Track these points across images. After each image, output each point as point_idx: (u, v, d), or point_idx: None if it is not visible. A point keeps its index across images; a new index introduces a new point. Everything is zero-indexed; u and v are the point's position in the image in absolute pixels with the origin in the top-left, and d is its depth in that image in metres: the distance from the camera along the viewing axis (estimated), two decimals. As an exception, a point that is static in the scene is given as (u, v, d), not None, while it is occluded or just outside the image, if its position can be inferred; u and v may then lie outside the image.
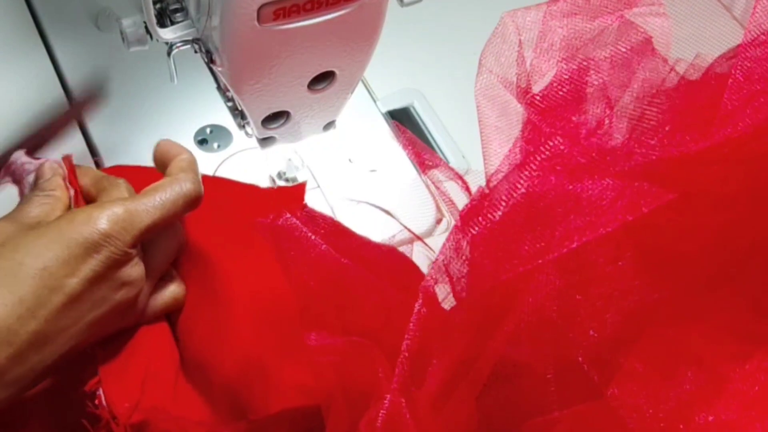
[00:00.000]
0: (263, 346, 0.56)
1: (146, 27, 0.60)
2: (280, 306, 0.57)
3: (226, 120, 0.76)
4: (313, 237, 0.54)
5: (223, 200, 0.64)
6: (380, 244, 0.62)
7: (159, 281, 0.57)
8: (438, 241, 0.48)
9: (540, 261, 0.41)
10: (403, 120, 0.83)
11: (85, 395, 0.52)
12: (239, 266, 0.59)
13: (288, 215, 0.56)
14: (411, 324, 0.43)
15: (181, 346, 0.57)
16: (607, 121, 0.43)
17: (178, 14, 0.60)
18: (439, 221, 0.74)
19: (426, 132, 0.82)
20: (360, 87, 0.79)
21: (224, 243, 0.60)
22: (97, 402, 0.51)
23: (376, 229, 0.67)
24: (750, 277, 0.46)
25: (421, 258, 0.67)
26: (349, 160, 0.78)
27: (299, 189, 0.65)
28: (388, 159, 0.76)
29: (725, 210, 0.45)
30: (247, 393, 0.55)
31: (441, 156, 0.81)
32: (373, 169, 0.78)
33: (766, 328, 0.43)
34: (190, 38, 0.60)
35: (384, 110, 0.82)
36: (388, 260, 0.59)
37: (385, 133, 0.78)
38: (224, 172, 0.75)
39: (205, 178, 0.64)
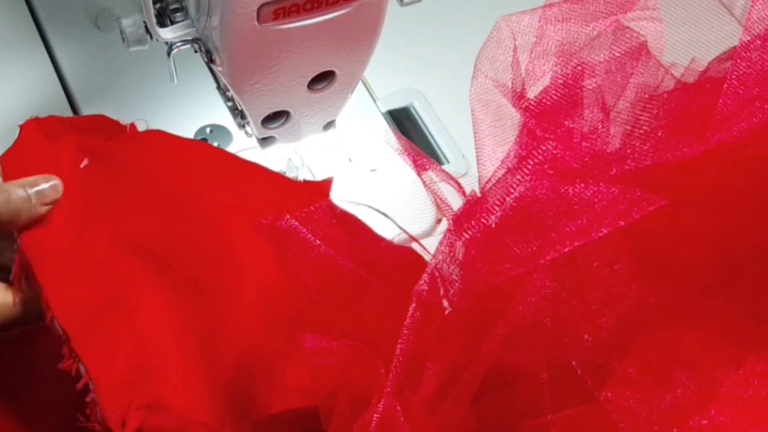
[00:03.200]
0: (269, 344, 0.56)
1: (146, 27, 0.60)
2: (288, 303, 0.57)
3: (226, 120, 0.77)
4: (313, 239, 0.54)
5: (251, 186, 0.63)
6: (397, 245, 0.62)
7: None
8: (438, 241, 0.48)
9: (532, 265, 0.41)
10: (403, 120, 0.83)
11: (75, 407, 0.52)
12: (257, 260, 0.58)
13: (288, 216, 0.56)
14: (404, 328, 0.43)
15: (184, 335, 0.57)
16: (601, 126, 0.43)
17: (178, 14, 0.60)
18: (439, 221, 0.73)
19: (426, 132, 0.82)
20: (360, 87, 0.79)
21: (248, 234, 0.59)
22: (88, 412, 0.51)
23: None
24: (745, 282, 0.46)
25: (420, 259, 0.66)
26: (349, 160, 0.78)
27: (326, 184, 0.65)
28: (388, 159, 0.76)
29: (721, 214, 0.45)
30: (251, 391, 0.55)
31: (441, 156, 0.81)
32: (373, 168, 0.78)
33: (760, 332, 0.43)
34: (190, 38, 0.60)
35: (384, 110, 0.82)
36: (401, 263, 0.59)
37: (384, 136, 0.78)
38: (224, 172, 0.75)
39: (240, 161, 0.63)
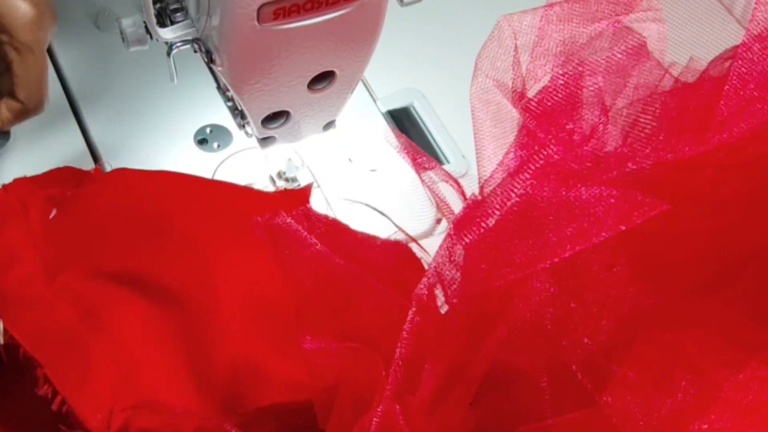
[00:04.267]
0: (254, 342, 0.57)
1: (146, 27, 0.60)
2: (272, 303, 0.58)
3: (226, 120, 0.76)
4: (309, 237, 0.54)
5: (228, 204, 0.64)
6: (387, 241, 0.62)
7: None
8: (437, 241, 0.48)
9: (532, 269, 0.41)
10: (403, 120, 0.83)
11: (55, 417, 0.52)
12: (235, 266, 0.59)
13: (285, 215, 0.56)
14: (404, 332, 0.43)
15: (166, 343, 0.57)
16: (601, 128, 0.43)
17: (178, 14, 0.60)
18: (438, 221, 0.73)
19: (426, 132, 0.82)
20: (360, 87, 0.78)
21: (223, 244, 0.60)
22: (72, 420, 0.51)
23: (374, 230, 0.67)
24: (746, 283, 0.46)
25: (419, 259, 0.66)
26: (349, 160, 0.78)
27: (304, 192, 0.65)
28: (388, 159, 0.76)
29: (720, 215, 0.45)
30: (238, 388, 0.56)
31: (441, 156, 0.81)
32: (373, 168, 0.77)
33: (761, 335, 0.43)
34: (190, 38, 0.60)
35: (384, 110, 0.82)
36: (392, 260, 0.59)
37: (384, 134, 0.78)
38: (224, 172, 0.75)
39: (209, 182, 0.64)
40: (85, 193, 0.61)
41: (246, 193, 0.66)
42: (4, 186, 0.60)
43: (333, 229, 0.58)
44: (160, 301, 0.58)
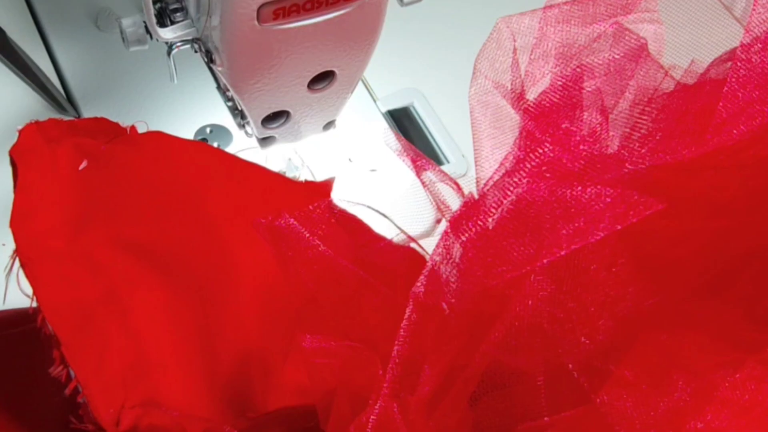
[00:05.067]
0: (267, 343, 0.57)
1: (146, 27, 0.60)
2: (286, 303, 0.57)
3: (226, 120, 0.77)
4: (311, 238, 0.54)
5: (255, 188, 0.63)
6: (397, 245, 0.62)
7: None
8: (437, 241, 0.49)
9: (529, 267, 0.41)
10: (403, 120, 0.83)
11: (65, 406, 0.52)
12: (254, 255, 0.58)
13: (287, 216, 0.56)
14: (401, 330, 0.43)
15: (180, 334, 0.57)
16: (599, 129, 0.43)
17: (177, 14, 0.60)
18: (438, 221, 0.73)
19: (426, 132, 0.83)
20: (360, 87, 0.79)
21: (245, 230, 0.59)
22: (81, 412, 0.51)
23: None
24: (744, 285, 0.46)
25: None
26: (349, 160, 0.78)
27: (326, 184, 0.65)
28: (388, 159, 0.76)
29: (720, 216, 0.45)
30: (248, 389, 0.55)
31: (441, 156, 0.81)
32: (373, 168, 0.78)
33: (758, 336, 0.43)
34: (189, 38, 0.60)
35: (384, 110, 0.82)
36: (401, 263, 0.59)
37: (383, 136, 0.78)
38: (224, 172, 0.75)
39: (241, 162, 0.63)
40: (117, 151, 0.59)
41: (274, 179, 0.65)
42: (37, 122, 0.57)
43: (350, 227, 0.57)
44: (178, 284, 0.57)
